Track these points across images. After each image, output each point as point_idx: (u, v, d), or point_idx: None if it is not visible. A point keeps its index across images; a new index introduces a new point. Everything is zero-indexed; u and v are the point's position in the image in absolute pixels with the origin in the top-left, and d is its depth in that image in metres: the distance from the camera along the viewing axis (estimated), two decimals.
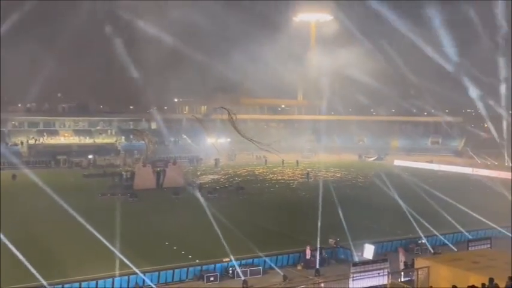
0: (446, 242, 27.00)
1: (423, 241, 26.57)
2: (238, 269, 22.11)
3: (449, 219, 30.18)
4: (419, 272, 19.17)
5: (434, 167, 68.29)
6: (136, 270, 20.75)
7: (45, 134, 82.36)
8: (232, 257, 22.74)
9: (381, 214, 33.76)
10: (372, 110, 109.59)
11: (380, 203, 38.34)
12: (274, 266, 23.19)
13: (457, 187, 48.75)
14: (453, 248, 26.02)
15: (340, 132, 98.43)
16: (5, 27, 59.60)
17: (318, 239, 25.53)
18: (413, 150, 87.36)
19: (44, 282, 19.15)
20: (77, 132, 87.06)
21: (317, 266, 23.13)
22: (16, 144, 76.28)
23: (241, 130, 40.41)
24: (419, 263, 19.70)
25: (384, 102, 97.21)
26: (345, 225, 29.43)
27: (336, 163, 73.06)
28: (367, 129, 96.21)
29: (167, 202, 40.20)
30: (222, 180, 55.25)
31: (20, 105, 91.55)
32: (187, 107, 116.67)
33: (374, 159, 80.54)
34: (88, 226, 26.45)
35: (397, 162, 73.74)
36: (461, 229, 28.51)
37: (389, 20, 68.99)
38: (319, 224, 28.48)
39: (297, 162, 70.11)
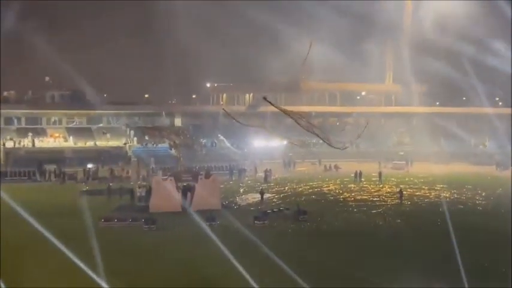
0: None
1: None
2: None
3: None
4: None
5: None
6: None
7: (29, 133, 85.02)
8: None
9: (509, 251, 32.68)
10: (497, 98, 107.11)
11: (509, 236, 37.14)
12: None
13: None
14: None
15: (448, 131, 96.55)
16: None
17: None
18: None
19: None
20: (72, 131, 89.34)
21: None
22: None
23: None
24: None
25: None
26: (457, 266, 28.73)
27: (443, 177, 71.49)
28: (490, 127, 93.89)
29: (198, 232, 40.41)
30: (274, 200, 55.09)
31: None
32: (224, 95, 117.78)
33: None
34: (85, 271, 27.07)
35: None
36: None
37: None
38: (415, 264, 27.91)
39: (380, 175, 69.16)
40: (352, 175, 70.36)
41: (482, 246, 35.51)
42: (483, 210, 50.38)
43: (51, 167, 72.04)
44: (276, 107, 27.43)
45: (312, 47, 28.07)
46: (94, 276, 27.04)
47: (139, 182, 60.57)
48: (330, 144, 27.52)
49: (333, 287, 27.61)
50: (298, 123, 26.49)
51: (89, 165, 73.80)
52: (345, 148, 29.83)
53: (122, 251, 34.11)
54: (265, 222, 42.83)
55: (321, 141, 32.34)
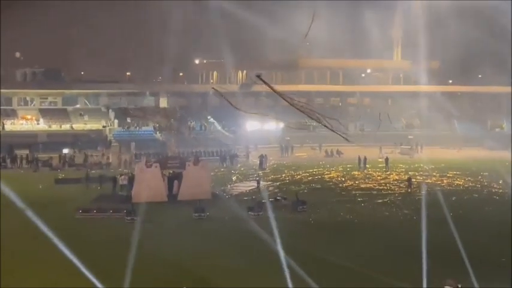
0: None
1: None
2: None
3: None
4: None
5: None
6: None
7: None
8: None
9: None
10: None
11: None
12: None
13: None
14: None
15: (462, 112, 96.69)
16: None
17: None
18: None
19: None
20: (45, 112, 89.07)
21: None
22: None
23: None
24: None
25: None
26: (468, 262, 28.87)
27: (456, 163, 71.83)
28: (508, 107, 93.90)
29: (185, 224, 40.47)
30: (270, 189, 55.20)
31: None
32: (215, 73, 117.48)
33: None
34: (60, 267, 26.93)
35: None
36: None
37: None
38: (424, 260, 28.04)
39: (387, 161, 69.26)
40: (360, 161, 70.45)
41: (501, 239, 35.59)
42: (500, 200, 50.51)
43: (23, 153, 71.91)
44: (270, 87, 26.93)
45: (313, 20, 27.77)
46: (69, 272, 27.06)
47: (120, 169, 60.65)
48: (345, 138, 27.35)
49: (333, 283, 27.67)
50: (299, 109, 26.04)
51: (65, 151, 73.66)
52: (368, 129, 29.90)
53: (101, 245, 34.10)
54: (260, 213, 42.85)
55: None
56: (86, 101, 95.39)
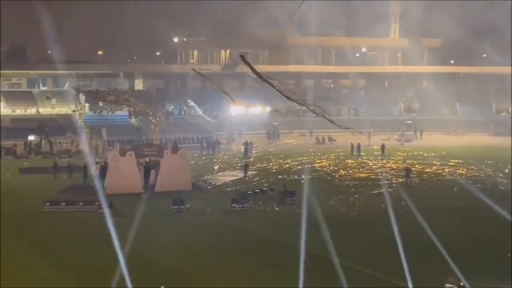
0: None
1: None
2: None
3: None
4: None
5: None
6: None
7: None
8: None
9: None
10: None
11: None
12: None
13: None
14: None
15: (465, 95, 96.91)
16: None
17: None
18: None
19: None
20: (10, 96, 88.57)
21: None
22: None
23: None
24: None
25: None
26: (472, 258, 28.97)
27: (459, 150, 71.94)
28: None
29: (163, 218, 40.38)
30: (256, 179, 55.34)
31: None
32: (195, 52, 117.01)
33: None
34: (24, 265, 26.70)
35: None
36: None
37: None
38: (420, 256, 27.98)
39: (383, 148, 69.24)
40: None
41: (498, 228, 35.72)
42: (506, 190, 50.66)
43: None
44: (254, 71, 26.39)
45: None
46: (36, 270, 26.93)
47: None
48: (344, 128, 27.22)
49: (324, 280, 27.66)
50: (285, 95, 25.71)
51: (31, 137, 73.27)
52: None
53: (70, 241, 33.97)
54: (245, 205, 42.83)
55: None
56: (56, 81, 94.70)
